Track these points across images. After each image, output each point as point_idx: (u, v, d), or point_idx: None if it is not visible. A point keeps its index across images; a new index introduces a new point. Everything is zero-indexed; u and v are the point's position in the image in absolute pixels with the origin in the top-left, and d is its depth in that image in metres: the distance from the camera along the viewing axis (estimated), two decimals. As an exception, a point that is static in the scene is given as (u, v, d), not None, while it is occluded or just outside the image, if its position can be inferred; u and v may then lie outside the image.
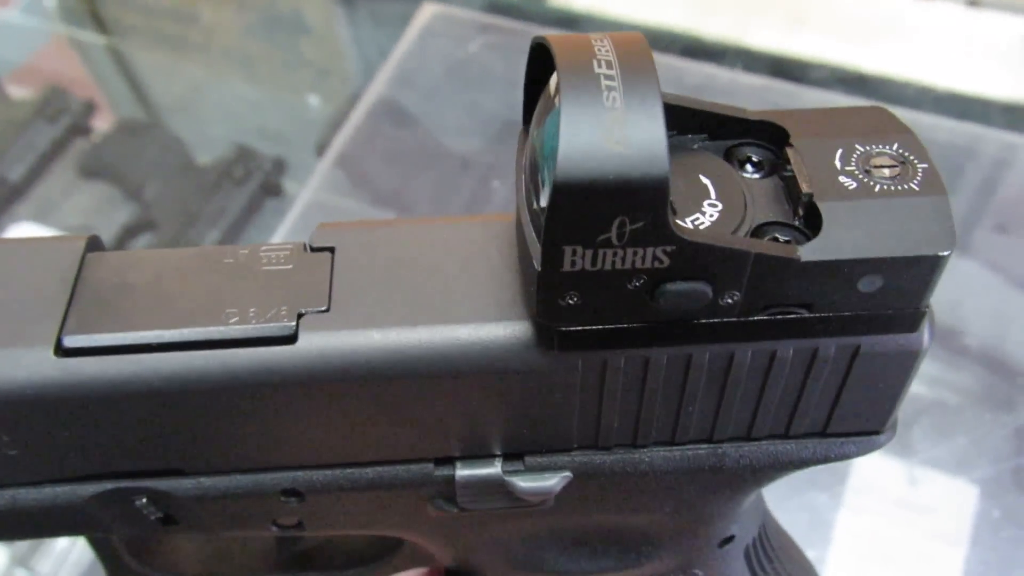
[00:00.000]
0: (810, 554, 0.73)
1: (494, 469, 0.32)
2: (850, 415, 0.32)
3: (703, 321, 0.28)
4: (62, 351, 0.28)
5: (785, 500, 0.75)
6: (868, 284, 0.27)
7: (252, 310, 0.29)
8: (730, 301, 0.27)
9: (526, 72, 0.29)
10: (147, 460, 0.31)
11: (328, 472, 0.32)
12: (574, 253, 0.25)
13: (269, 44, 1.38)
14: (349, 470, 0.32)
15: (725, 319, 0.27)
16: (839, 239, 0.26)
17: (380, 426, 0.30)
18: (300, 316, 0.29)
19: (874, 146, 0.28)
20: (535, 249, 0.26)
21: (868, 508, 0.77)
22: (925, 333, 0.30)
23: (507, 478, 0.32)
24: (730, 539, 0.40)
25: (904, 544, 0.76)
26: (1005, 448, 0.80)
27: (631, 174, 0.23)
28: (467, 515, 0.34)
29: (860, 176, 0.27)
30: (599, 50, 0.25)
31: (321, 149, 1.06)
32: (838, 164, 0.27)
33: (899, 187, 0.27)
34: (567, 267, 0.25)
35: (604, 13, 1.17)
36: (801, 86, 1.06)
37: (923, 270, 0.27)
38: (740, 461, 0.33)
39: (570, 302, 0.26)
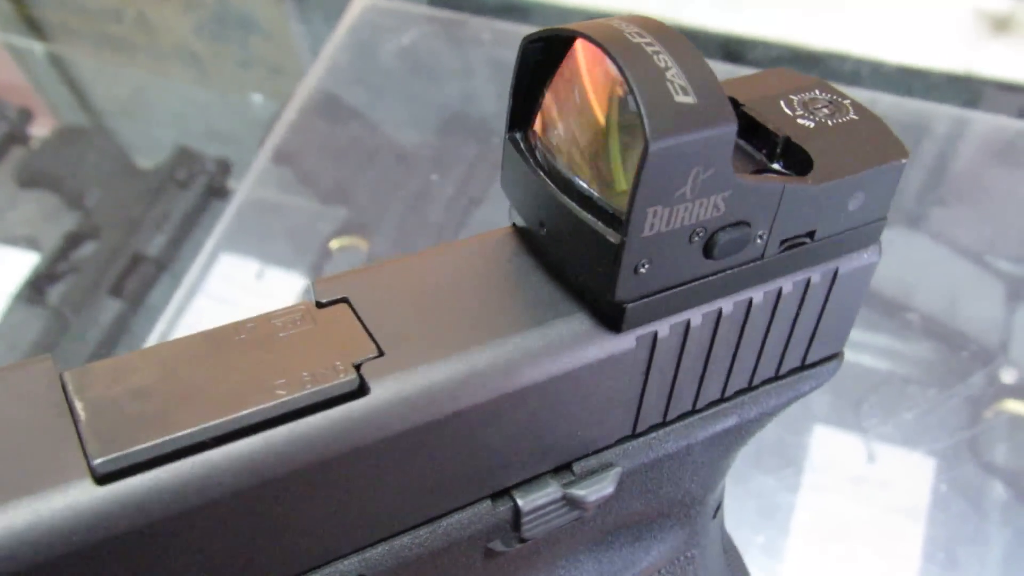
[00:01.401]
0: (760, 539, 0.73)
1: (553, 487, 0.31)
2: (823, 342, 0.34)
3: (736, 269, 0.29)
4: (99, 478, 0.23)
5: (732, 487, 0.74)
6: (855, 201, 0.30)
7: (304, 374, 0.26)
8: (759, 241, 0.29)
9: (517, 73, 0.29)
10: None
11: (393, 543, 0.29)
12: (654, 215, 0.26)
13: (218, 43, 1.36)
14: (413, 534, 0.29)
15: (753, 263, 0.29)
16: (831, 164, 0.29)
17: (444, 471, 0.28)
18: (359, 367, 0.26)
19: (804, 94, 0.31)
20: (599, 227, 0.27)
21: (826, 486, 0.77)
22: (879, 245, 0.33)
23: (568, 491, 0.31)
24: (719, 507, 0.40)
25: (863, 520, 0.76)
26: (959, 419, 0.81)
27: (707, 122, 0.25)
28: (523, 548, 0.32)
29: (811, 117, 0.30)
30: (622, 25, 0.26)
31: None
32: (788, 112, 0.30)
33: (843, 119, 0.30)
34: (647, 231, 0.26)
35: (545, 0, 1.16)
36: (741, 67, 1.06)
37: (891, 178, 0.30)
38: (745, 413, 0.34)
39: (642, 271, 0.27)
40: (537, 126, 0.30)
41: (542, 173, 0.29)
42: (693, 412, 0.33)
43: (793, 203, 0.28)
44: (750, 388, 0.34)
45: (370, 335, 0.27)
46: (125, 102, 1.30)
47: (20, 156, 1.10)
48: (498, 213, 0.78)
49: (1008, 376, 0.83)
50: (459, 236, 0.92)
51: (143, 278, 1.00)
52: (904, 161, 0.30)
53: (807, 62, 1.06)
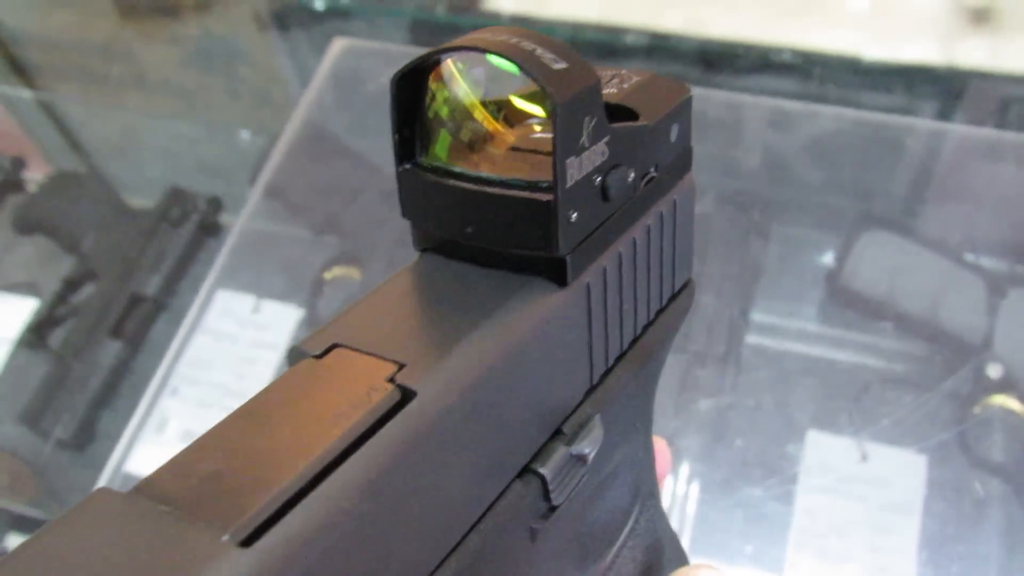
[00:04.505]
0: (749, 548, 0.74)
1: (561, 450, 0.33)
2: (681, 269, 0.39)
3: (621, 210, 0.33)
4: (241, 543, 0.22)
5: (720, 499, 0.76)
6: (674, 133, 0.35)
7: (348, 407, 0.26)
8: (630, 180, 0.33)
9: (396, 110, 0.32)
10: None
11: (467, 543, 0.30)
12: (571, 166, 0.29)
13: (206, 77, 1.37)
14: (476, 529, 0.30)
15: (630, 201, 0.33)
16: (650, 108, 0.34)
17: (487, 456, 0.30)
18: (393, 380, 0.27)
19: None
20: (528, 195, 0.30)
21: (817, 488, 0.79)
22: (691, 172, 0.38)
23: (572, 449, 0.33)
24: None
25: (856, 518, 0.77)
26: (948, 415, 0.82)
27: (583, 78, 0.29)
28: (552, 524, 0.34)
29: (611, 88, 0.35)
30: (476, 34, 0.30)
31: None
32: None
33: (630, 82, 0.36)
34: (569, 183, 0.30)
35: (533, 14, 1.18)
36: (722, 76, 1.07)
37: (687, 109, 0.36)
38: (657, 344, 0.38)
39: (572, 221, 0.31)
40: (429, 149, 0.33)
41: (452, 181, 0.32)
42: (623, 353, 0.37)
43: (643, 142, 0.33)
44: (651, 322, 0.38)
45: (381, 358, 0.29)
46: (116, 142, 1.32)
47: (16, 203, 1.12)
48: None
49: (994, 371, 0.84)
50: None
51: (142, 318, 1.01)
52: (690, 94, 0.36)
53: (778, 69, 1.08)
